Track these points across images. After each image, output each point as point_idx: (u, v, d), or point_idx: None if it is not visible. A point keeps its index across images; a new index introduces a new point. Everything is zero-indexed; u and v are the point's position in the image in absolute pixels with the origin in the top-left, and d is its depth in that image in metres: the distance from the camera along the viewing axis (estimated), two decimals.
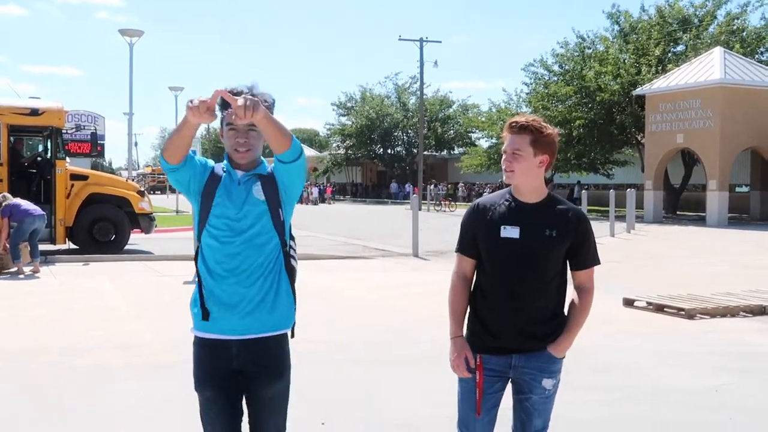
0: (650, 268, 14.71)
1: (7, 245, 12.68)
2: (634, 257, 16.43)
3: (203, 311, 2.86)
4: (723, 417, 5.27)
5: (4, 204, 12.75)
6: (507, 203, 3.07)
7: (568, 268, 3.11)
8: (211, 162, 3.04)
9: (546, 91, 38.90)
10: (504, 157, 3.07)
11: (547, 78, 39.86)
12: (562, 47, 39.34)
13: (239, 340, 2.86)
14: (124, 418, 5.15)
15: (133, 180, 26.96)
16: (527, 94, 41.39)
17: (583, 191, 22.71)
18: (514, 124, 3.04)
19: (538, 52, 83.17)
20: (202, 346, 2.88)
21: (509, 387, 3.15)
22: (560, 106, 37.86)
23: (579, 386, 4.85)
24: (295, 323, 3.04)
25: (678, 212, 36.19)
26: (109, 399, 5.59)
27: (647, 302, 9.70)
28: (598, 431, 4.27)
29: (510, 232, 3.01)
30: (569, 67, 38.27)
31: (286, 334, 2.98)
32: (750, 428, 5.09)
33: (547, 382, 3.06)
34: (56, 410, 5.31)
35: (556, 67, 39.62)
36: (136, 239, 17.38)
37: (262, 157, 3.02)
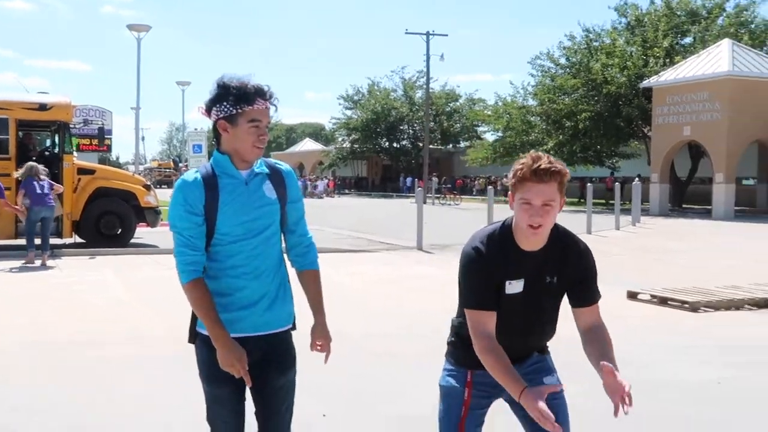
0: (655, 261, 14.70)
1: (18, 206, 12.86)
2: (638, 250, 16.42)
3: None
4: (725, 410, 5.30)
5: (26, 176, 13.10)
6: (508, 252, 2.74)
7: (570, 305, 2.87)
8: (194, 175, 2.84)
9: (552, 83, 38.88)
10: (526, 209, 2.64)
11: (553, 71, 39.83)
12: (569, 40, 39.31)
13: (256, 336, 2.89)
14: (133, 409, 5.20)
15: (139, 174, 27.04)
16: (534, 86, 41.33)
17: (588, 184, 22.66)
18: (542, 171, 2.61)
19: (545, 46, 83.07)
20: (209, 344, 2.84)
21: (508, 411, 2.95)
22: (566, 99, 37.83)
23: (581, 379, 4.84)
24: (295, 315, 3.09)
25: (684, 205, 36.12)
26: (118, 390, 5.64)
27: (651, 295, 9.71)
28: (601, 423, 4.29)
29: (515, 287, 2.75)
30: (576, 59, 38.24)
31: (291, 327, 3.03)
32: (752, 421, 5.11)
33: (549, 379, 2.89)
34: (67, 401, 5.36)
35: (562, 60, 39.61)
36: (142, 233, 17.44)
37: None
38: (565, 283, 2.81)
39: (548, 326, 2.91)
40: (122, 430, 4.83)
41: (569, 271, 2.79)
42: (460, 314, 2.92)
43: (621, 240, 18.32)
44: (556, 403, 2.84)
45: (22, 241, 13.88)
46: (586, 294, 2.82)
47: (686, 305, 9.16)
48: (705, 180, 36.43)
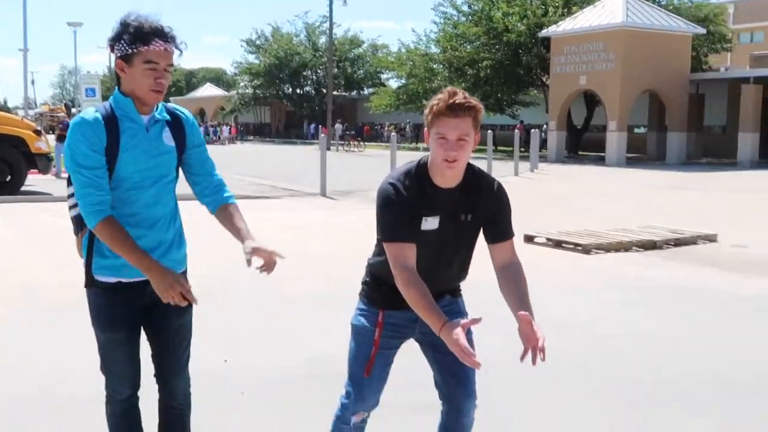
0: (551, 206, 15.17)
1: None
2: (536, 196, 16.90)
3: (112, 258, 2.76)
4: (615, 344, 5.58)
5: None
6: (424, 188, 2.74)
7: (486, 241, 2.87)
8: (94, 114, 2.70)
9: (455, 31, 39.05)
10: (441, 144, 2.64)
11: (456, 18, 39.96)
12: None
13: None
14: (21, 361, 5.05)
15: (29, 119, 25.79)
16: (437, 34, 41.44)
17: (489, 131, 23.09)
18: (457, 106, 2.61)
19: None
20: (110, 290, 2.79)
21: (415, 349, 3.01)
22: (468, 47, 38.15)
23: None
24: (187, 258, 3.05)
25: (580, 152, 37.28)
26: (12, 339, 5.46)
27: (547, 238, 10.06)
28: (500, 364, 4.44)
29: (431, 223, 2.75)
30: (478, 7, 38.45)
31: (185, 270, 2.99)
32: (634, 355, 5.40)
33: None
34: None
35: (465, 8, 39.75)
36: (34, 180, 16.74)
37: None
38: (480, 221, 2.83)
39: (462, 265, 2.93)
40: (8, 379, 4.69)
41: (484, 208, 2.81)
42: (376, 254, 2.94)
43: (519, 185, 18.79)
44: (469, 338, 2.87)
45: None
46: (500, 231, 2.84)
47: (579, 247, 9.52)
48: (599, 128, 37.64)
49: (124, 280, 2.79)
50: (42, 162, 15.89)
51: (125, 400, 2.94)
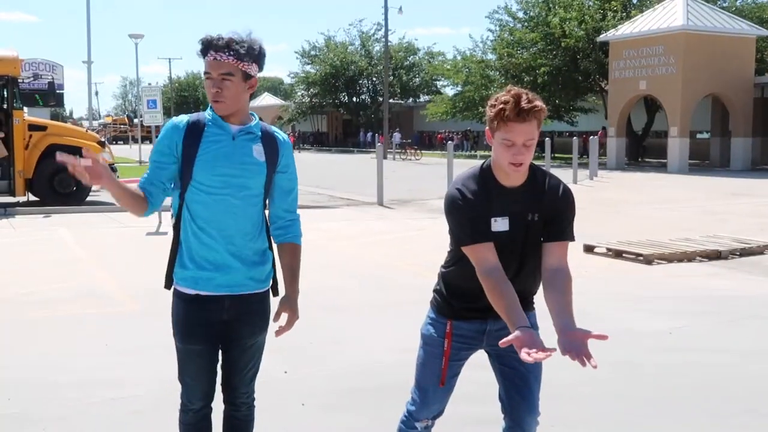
0: (611, 214, 14.93)
1: None
2: (595, 204, 16.65)
3: (192, 270, 2.82)
4: (676, 358, 5.44)
5: None
6: (491, 189, 2.75)
7: (542, 239, 2.83)
8: (181, 119, 2.85)
9: (511, 38, 38.80)
10: (507, 148, 2.64)
11: (511, 25, 39.72)
12: None
13: (231, 296, 2.86)
14: (90, 366, 5.17)
15: (93, 130, 26.48)
16: (492, 41, 41.24)
17: (546, 139, 22.84)
18: (525, 111, 2.60)
19: None
20: (189, 302, 2.83)
21: (481, 362, 3.00)
22: (525, 53, 37.85)
23: (540, 330, 4.97)
24: (276, 280, 3.06)
25: (641, 159, 36.61)
26: (75, 348, 5.60)
27: (607, 248, 9.89)
28: (559, 372, 4.39)
29: (501, 224, 2.74)
30: (534, 13, 38.15)
31: (269, 290, 3.02)
32: (703, 368, 5.26)
33: None
34: (20, 360, 5.30)
35: (520, 14, 39.48)
36: (98, 190, 17.17)
37: (254, 114, 2.91)
38: (545, 220, 2.78)
39: (533, 273, 2.87)
40: (78, 385, 4.80)
41: (549, 207, 2.78)
42: (449, 262, 2.95)
43: (578, 193, 18.44)
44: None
45: None
46: (559, 229, 2.79)
47: (640, 258, 9.34)
48: (660, 134, 36.91)
49: (202, 293, 2.83)
50: None
51: (197, 411, 2.97)
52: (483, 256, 2.68)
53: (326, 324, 6.28)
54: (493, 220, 2.73)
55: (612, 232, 11.46)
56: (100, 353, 5.53)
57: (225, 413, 3.06)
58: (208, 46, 2.76)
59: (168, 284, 2.90)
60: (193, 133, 2.79)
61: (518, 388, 2.89)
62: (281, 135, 2.96)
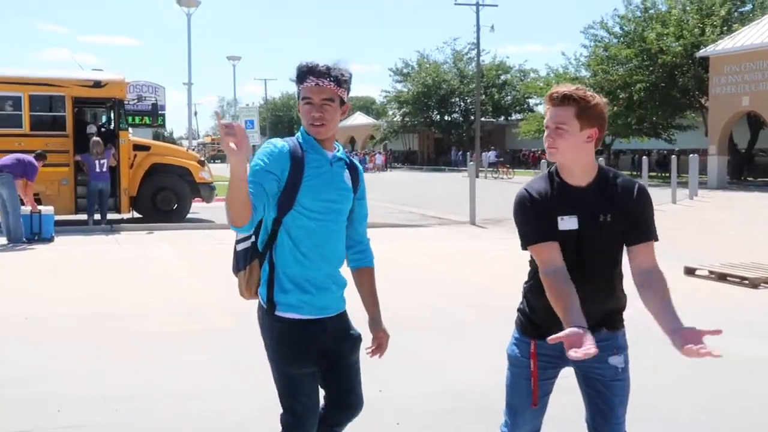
0: (713, 235, 14.41)
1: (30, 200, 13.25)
2: (696, 224, 16.10)
3: (295, 294, 2.85)
4: None
5: (94, 151, 14.89)
6: (558, 189, 2.78)
7: (625, 244, 2.79)
8: (282, 143, 2.83)
9: (606, 54, 38.08)
10: (546, 132, 2.77)
11: (607, 40, 39.00)
12: (625, 7, 38.34)
13: (333, 317, 2.95)
14: (193, 378, 5.32)
15: (193, 149, 27.38)
16: (586, 57, 40.59)
17: (644, 157, 22.16)
18: (555, 95, 2.74)
19: (597, 14, 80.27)
20: (296, 326, 2.85)
21: (572, 385, 2.95)
22: (620, 70, 37.05)
23: (645, 355, 4.83)
24: None
25: (743, 177, 35.20)
26: (177, 360, 5.78)
27: (709, 271, 9.53)
28: (665, 398, 4.27)
29: (568, 223, 2.73)
30: (630, 28, 37.36)
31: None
32: None
33: (614, 360, 2.81)
34: (123, 372, 5.51)
35: (617, 29, 38.72)
36: (198, 208, 17.73)
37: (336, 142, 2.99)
38: (620, 223, 2.74)
39: (610, 281, 2.80)
40: (182, 396, 4.94)
41: (622, 208, 2.74)
42: (528, 278, 2.95)
43: (678, 214, 17.97)
44: (619, 384, 2.83)
45: (81, 216, 14.54)
46: (641, 231, 2.76)
47: (746, 281, 8.96)
48: (766, 151, 35.41)
49: (304, 317, 2.86)
50: (206, 191, 16.83)
51: None
52: (547, 256, 2.71)
53: (419, 343, 6.28)
54: (559, 218, 2.73)
55: (714, 254, 11.04)
56: (201, 366, 5.69)
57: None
58: (309, 72, 2.81)
59: (271, 308, 2.87)
60: (296, 158, 2.81)
61: (602, 412, 2.85)
62: (357, 162, 3.09)
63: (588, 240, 2.74)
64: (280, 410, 2.94)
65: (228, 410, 4.73)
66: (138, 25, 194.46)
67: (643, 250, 2.76)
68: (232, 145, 2.42)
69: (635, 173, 23.53)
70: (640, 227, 2.76)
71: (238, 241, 3.00)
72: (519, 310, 3.00)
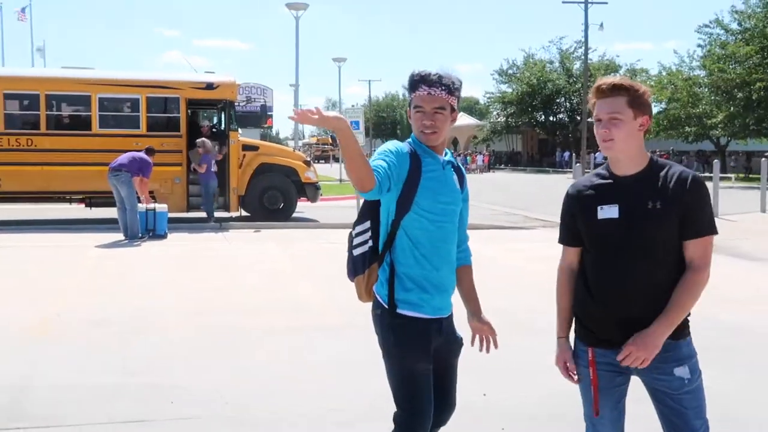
0: None
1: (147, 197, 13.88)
2: None
3: (416, 294, 2.91)
4: None
5: (202, 152, 15.24)
6: (602, 180, 2.76)
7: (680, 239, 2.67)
8: (402, 146, 2.90)
9: (722, 51, 36.54)
10: (598, 126, 2.69)
11: (723, 38, 37.42)
12: (743, 3, 36.70)
13: (446, 317, 3.03)
14: (298, 376, 5.42)
15: (298, 150, 27.95)
16: (701, 56, 39.07)
17: (763, 159, 20.41)
18: (604, 86, 2.68)
19: (712, 10, 76.76)
20: (416, 324, 2.90)
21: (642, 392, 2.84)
22: (738, 68, 35.49)
23: (741, 363, 4.63)
24: None
25: None
26: (281, 358, 5.90)
27: None
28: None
29: (608, 212, 2.68)
30: (750, 24, 35.71)
31: None
32: None
33: (680, 371, 2.66)
34: (233, 366, 5.66)
35: (734, 26, 37.09)
36: (303, 207, 18.06)
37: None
38: (672, 212, 2.62)
39: (658, 274, 2.65)
40: (286, 392, 5.04)
41: (675, 198, 2.63)
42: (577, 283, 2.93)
43: None
44: (688, 397, 2.70)
45: (192, 215, 15.29)
46: (693, 225, 2.65)
47: None
48: None
49: (424, 316, 2.93)
50: (311, 191, 17.11)
51: None
52: (567, 255, 2.92)
53: (524, 346, 6.18)
54: (599, 207, 2.71)
55: None
56: (308, 363, 5.79)
57: None
58: (421, 81, 2.88)
59: (393, 307, 2.92)
60: (415, 161, 2.89)
61: (677, 427, 2.73)
62: (459, 163, 3.15)
63: (632, 227, 2.66)
64: (390, 409, 2.96)
65: (337, 409, 4.78)
66: (247, 28, 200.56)
67: (691, 247, 2.66)
68: (326, 113, 2.52)
69: (751, 175, 22.29)
70: (694, 220, 2.65)
71: (353, 246, 3.04)
72: (575, 316, 2.91)
